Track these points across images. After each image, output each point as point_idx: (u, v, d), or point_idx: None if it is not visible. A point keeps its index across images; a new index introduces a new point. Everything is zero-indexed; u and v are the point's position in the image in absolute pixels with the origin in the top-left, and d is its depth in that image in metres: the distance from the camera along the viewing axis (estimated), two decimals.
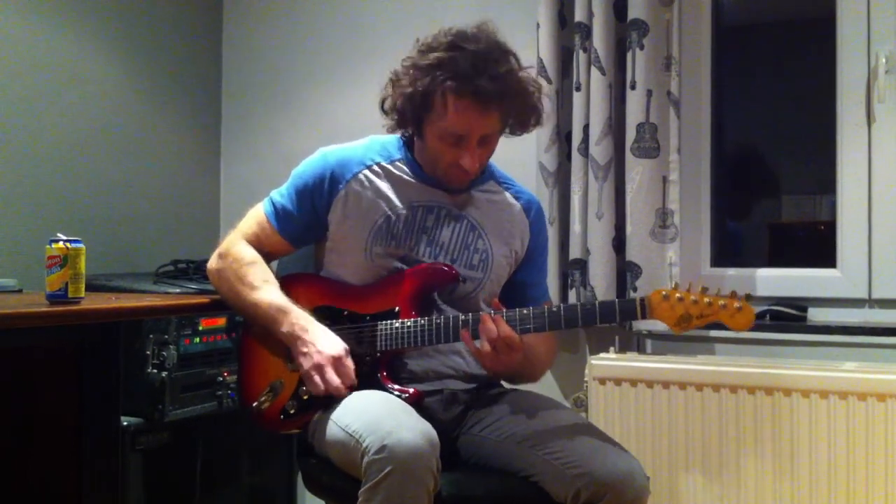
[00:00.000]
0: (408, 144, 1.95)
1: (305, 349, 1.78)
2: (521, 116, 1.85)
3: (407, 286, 1.84)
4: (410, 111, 1.80)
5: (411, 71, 1.79)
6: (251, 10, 3.17)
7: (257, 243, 1.94)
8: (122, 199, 2.83)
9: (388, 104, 1.86)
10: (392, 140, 1.96)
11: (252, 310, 1.87)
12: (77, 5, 2.69)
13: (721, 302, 1.68)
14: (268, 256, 1.94)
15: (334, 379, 1.75)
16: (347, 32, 3.01)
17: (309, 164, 1.93)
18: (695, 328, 1.70)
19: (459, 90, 1.74)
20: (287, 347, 1.83)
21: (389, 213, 1.87)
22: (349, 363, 1.77)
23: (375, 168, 1.91)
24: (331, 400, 1.77)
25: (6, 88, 2.50)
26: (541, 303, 1.95)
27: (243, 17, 3.19)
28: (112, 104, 2.80)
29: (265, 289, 1.86)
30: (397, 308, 1.83)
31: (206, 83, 3.16)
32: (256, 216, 1.95)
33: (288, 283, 1.93)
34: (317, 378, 1.76)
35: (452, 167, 1.83)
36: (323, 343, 1.77)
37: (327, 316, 1.85)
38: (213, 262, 1.94)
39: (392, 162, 1.92)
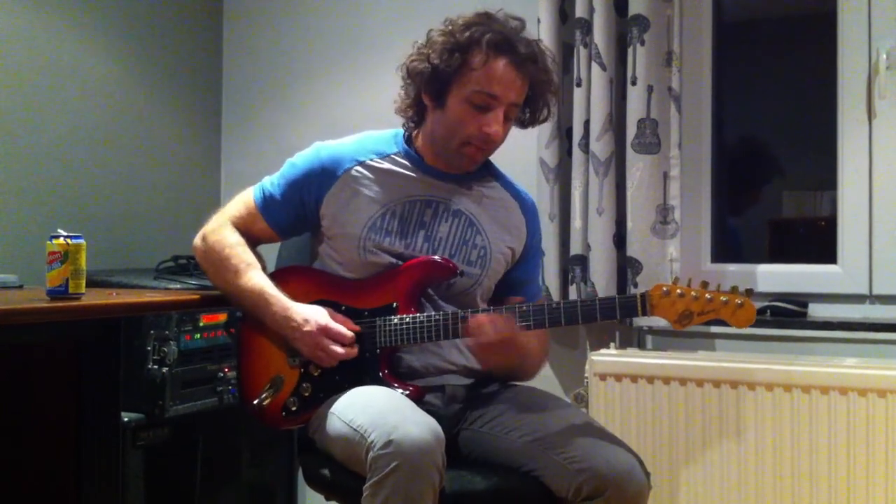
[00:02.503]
0: (407, 138, 1.95)
1: (295, 335, 1.79)
2: (541, 96, 1.87)
3: (404, 281, 1.84)
4: (444, 66, 1.77)
5: (450, 27, 1.80)
6: (251, 7, 3.17)
7: (243, 227, 1.94)
8: (123, 194, 2.82)
9: (415, 65, 1.82)
10: (387, 135, 1.96)
11: (235, 296, 1.89)
12: (78, 3, 2.69)
13: (722, 298, 1.67)
14: (253, 241, 1.95)
15: (336, 350, 1.76)
16: (347, 30, 3.00)
17: (302, 158, 1.93)
18: (696, 325, 1.70)
19: (499, 47, 1.76)
20: (284, 340, 1.84)
21: (384, 209, 1.87)
22: (337, 325, 1.78)
23: (369, 163, 1.90)
24: (338, 388, 1.78)
25: (7, 85, 2.49)
26: (535, 300, 1.95)
27: (243, 14, 3.18)
28: (113, 100, 2.80)
29: (248, 273, 1.86)
30: (395, 303, 1.83)
31: (206, 80, 3.16)
32: (245, 200, 1.95)
33: (284, 277, 1.92)
34: (321, 355, 1.78)
35: (473, 137, 1.80)
36: (305, 322, 1.78)
37: None
38: (197, 242, 1.95)
39: (386, 157, 1.92)
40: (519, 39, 1.79)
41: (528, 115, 1.91)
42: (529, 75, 1.81)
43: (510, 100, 1.79)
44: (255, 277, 1.86)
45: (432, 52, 1.79)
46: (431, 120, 1.88)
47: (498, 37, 1.77)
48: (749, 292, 1.68)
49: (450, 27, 1.80)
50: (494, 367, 1.82)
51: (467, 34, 1.77)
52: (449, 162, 1.89)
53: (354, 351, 1.78)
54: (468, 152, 1.84)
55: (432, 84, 1.81)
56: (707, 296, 1.68)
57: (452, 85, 1.79)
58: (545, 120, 1.95)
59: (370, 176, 1.89)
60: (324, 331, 1.77)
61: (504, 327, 1.71)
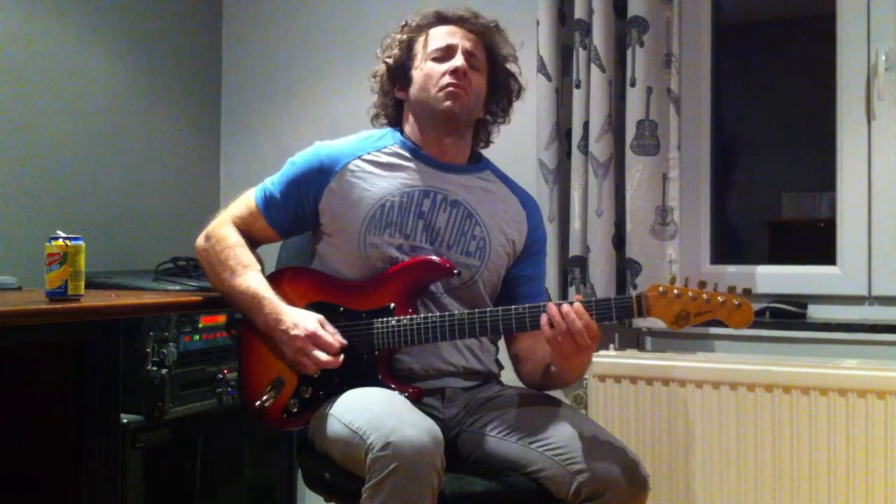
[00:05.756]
0: (401, 132, 1.98)
1: (284, 338, 1.79)
2: (497, 54, 1.96)
3: (401, 282, 1.84)
4: (399, 56, 1.93)
5: (401, 28, 1.97)
6: (251, 8, 3.17)
7: (244, 227, 1.95)
8: (122, 196, 2.82)
9: (378, 67, 1.97)
10: (382, 131, 1.99)
11: (231, 296, 1.89)
12: (77, 3, 2.69)
13: (719, 298, 1.65)
14: (254, 242, 1.96)
15: (319, 357, 1.76)
16: (346, 31, 3.01)
17: (301, 156, 1.95)
18: (693, 326, 1.69)
19: (438, 18, 1.94)
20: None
21: (382, 201, 1.88)
22: (326, 334, 1.78)
23: (366, 157, 1.92)
24: (337, 389, 1.78)
25: (6, 86, 2.49)
26: (537, 300, 1.95)
27: (243, 15, 3.18)
28: (112, 102, 2.80)
29: (244, 274, 1.87)
30: (392, 305, 1.83)
31: (205, 81, 3.16)
32: (247, 201, 1.97)
33: (282, 278, 1.93)
34: (304, 361, 1.77)
35: (445, 79, 1.87)
36: (294, 326, 1.78)
37: (323, 313, 1.84)
38: (199, 242, 1.96)
39: (383, 149, 1.94)
40: (457, 10, 1.94)
41: (501, 94, 1.99)
42: (473, 30, 1.93)
43: (465, 46, 1.90)
44: (251, 279, 1.86)
45: (387, 49, 1.97)
46: (408, 105, 1.96)
47: (435, 13, 1.94)
48: (747, 292, 1.66)
49: (400, 29, 1.98)
50: (565, 361, 1.75)
51: (406, 27, 1.96)
52: (437, 122, 1.90)
53: (338, 361, 1.77)
54: (448, 92, 1.87)
55: (397, 75, 1.94)
56: (704, 296, 1.66)
57: (411, 65, 1.93)
58: (518, 94, 2.01)
59: (368, 169, 1.91)
60: (311, 337, 1.77)
61: (583, 315, 1.68)
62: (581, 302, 1.70)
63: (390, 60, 1.95)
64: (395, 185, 1.89)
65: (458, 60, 1.88)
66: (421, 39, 1.92)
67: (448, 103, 1.87)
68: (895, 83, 2.32)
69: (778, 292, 2.44)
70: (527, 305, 1.76)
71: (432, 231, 1.88)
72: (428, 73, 1.89)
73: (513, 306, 1.77)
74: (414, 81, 1.92)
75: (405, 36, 1.95)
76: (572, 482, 1.64)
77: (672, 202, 2.42)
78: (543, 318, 1.69)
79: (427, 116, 1.91)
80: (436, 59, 1.89)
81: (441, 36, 1.91)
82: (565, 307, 1.68)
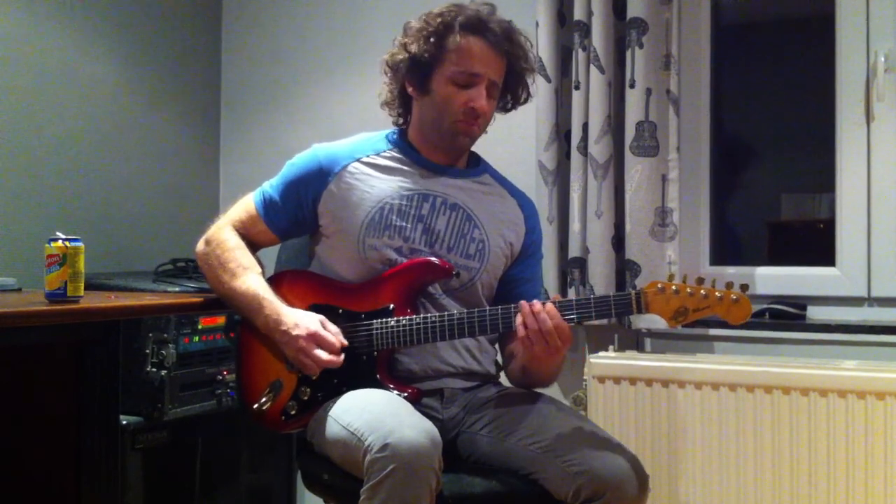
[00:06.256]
0: (400, 134, 1.97)
1: (284, 339, 1.79)
2: (520, 75, 1.92)
3: (401, 282, 1.84)
4: (422, 53, 1.84)
5: (424, 17, 1.87)
6: (250, 9, 3.17)
7: (244, 231, 1.95)
8: (122, 197, 2.82)
9: (395, 57, 1.89)
10: (382, 134, 1.99)
11: (231, 299, 1.89)
12: (76, 4, 2.69)
13: (717, 294, 1.66)
14: (253, 245, 1.96)
15: (321, 356, 1.76)
16: (345, 32, 3.01)
17: (300, 158, 1.95)
18: (691, 322, 1.69)
19: (473, 29, 1.84)
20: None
21: (381, 203, 1.88)
22: (327, 333, 1.78)
23: (365, 160, 1.92)
24: (336, 391, 1.78)
25: (5, 87, 2.49)
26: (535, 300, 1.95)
27: (242, 16, 3.18)
28: (111, 103, 2.80)
29: (243, 276, 1.87)
30: (392, 305, 1.83)
31: (205, 82, 3.16)
32: (246, 204, 1.97)
33: (282, 280, 1.93)
34: (306, 361, 1.77)
35: (462, 113, 1.84)
36: (295, 326, 1.78)
37: (322, 314, 1.84)
38: (199, 247, 1.96)
39: (382, 153, 1.94)
40: (491, 20, 1.85)
41: (509, 98, 1.96)
42: (506, 53, 1.87)
43: (491, 76, 1.85)
44: (250, 280, 1.86)
45: (409, 42, 1.86)
46: (418, 108, 1.92)
47: (471, 19, 1.84)
48: (744, 288, 1.67)
49: (424, 17, 1.87)
50: (536, 361, 1.78)
51: (440, 20, 1.84)
52: (443, 144, 1.91)
53: (339, 360, 1.77)
54: (461, 128, 1.87)
55: (414, 72, 1.88)
56: (702, 292, 1.67)
57: (433, 70, 1.86)
58: (526, 101, 1.99)
59: (367, 172, 1.91)
60: (313, 337, 1.77)
61: (554, 315, 1.68)
62: (579, 300, 1.71)
63: (415, 49, 1.84)
64: (394, 188, 1.89)
65: (480, 98, 1.84)
66: (453, 43, 1.83)
67: (458, 136, 1.88)
68: (894, 84, 2.33)
69: (777, 293, 2.44)
70: (499, 307, 1.77)
71: (432, 234, 1.88)
72: (446, 97, 1.85)
73: (487, 307, 1.78)
74: (431, 94, 1.87)
75: (434, 28, 1.84)
76: (572, 483, 1.64)
77: (671, 203, 2.42)
78: (518, 318, 1.70)
79: (433, 132, 1.91)
80: (457, 84, 1.84)
81: (470, 59, 1.83)
82: (537, 306, 1.69)
